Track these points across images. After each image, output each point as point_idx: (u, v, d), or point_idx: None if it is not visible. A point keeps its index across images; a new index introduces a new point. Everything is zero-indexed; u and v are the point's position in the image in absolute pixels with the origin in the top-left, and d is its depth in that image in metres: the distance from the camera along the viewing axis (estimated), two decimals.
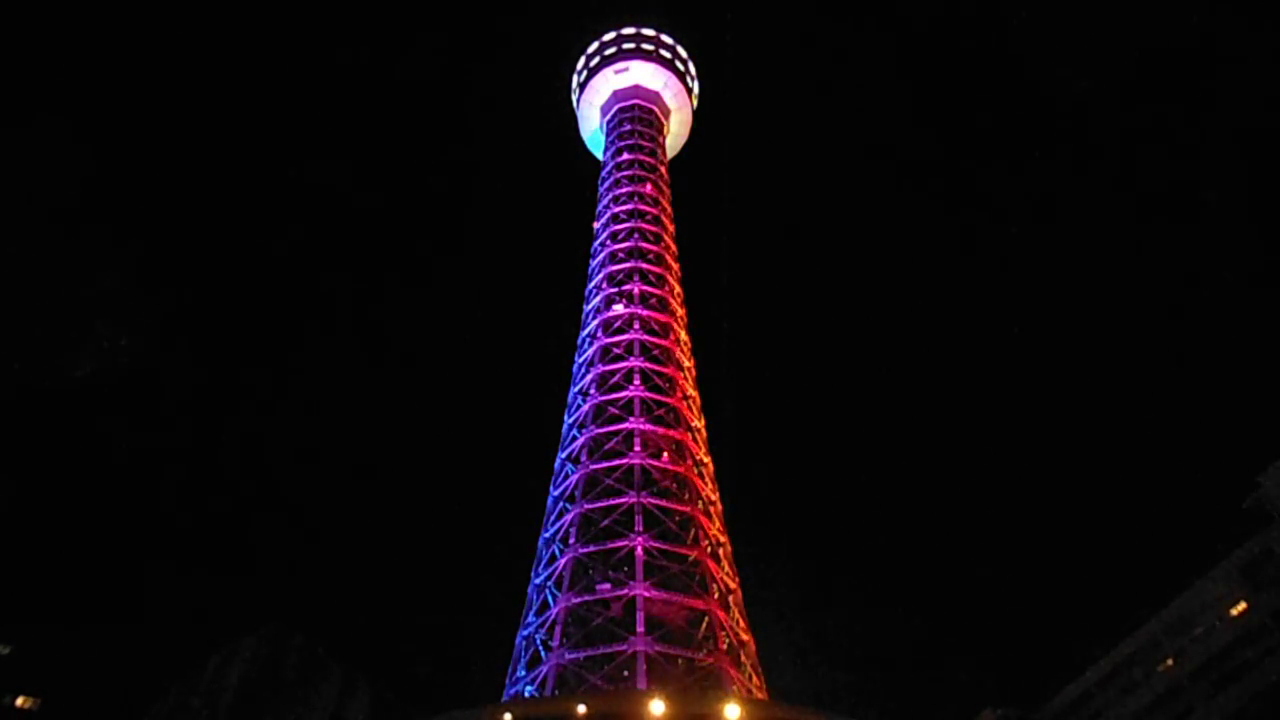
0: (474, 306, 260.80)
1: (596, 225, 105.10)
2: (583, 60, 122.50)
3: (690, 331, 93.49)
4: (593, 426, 78.50)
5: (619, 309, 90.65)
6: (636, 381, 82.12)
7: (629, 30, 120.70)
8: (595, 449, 76.64)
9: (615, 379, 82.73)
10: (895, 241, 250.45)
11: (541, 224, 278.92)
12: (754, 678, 64.80)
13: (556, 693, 59.70)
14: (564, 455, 79.77)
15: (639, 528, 68.54)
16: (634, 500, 70.57)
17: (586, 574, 67.99)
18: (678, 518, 71.02)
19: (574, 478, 74.93)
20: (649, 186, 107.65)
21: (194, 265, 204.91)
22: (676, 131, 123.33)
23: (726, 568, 71.44)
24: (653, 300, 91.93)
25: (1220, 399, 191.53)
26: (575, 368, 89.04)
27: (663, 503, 71.41)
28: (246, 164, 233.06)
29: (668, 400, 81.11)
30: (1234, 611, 69.46)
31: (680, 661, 62.44)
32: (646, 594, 63.66)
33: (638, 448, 75.96)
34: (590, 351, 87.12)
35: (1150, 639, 74.73)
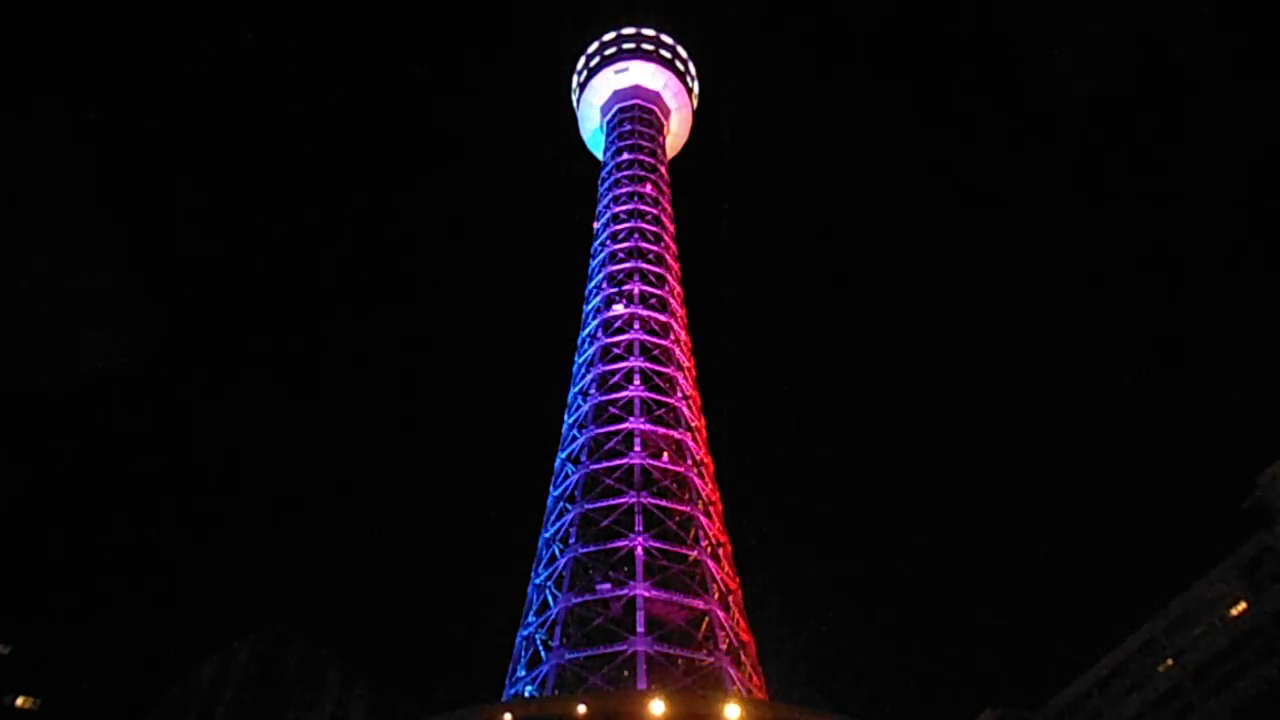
0: (474, 306, 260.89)
1: (596, 225, 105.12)
2: (583, 60, 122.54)
3: (690, 331, 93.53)
4: (593, 426, 78.50)
5: (619, 309, 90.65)
6: (636, 381, 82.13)
7: (629, 30, 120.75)
8: (595, 449, 76.63)
9: (615, 379, 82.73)
10: (896, 241, 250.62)
11: (541, 224, 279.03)
12: (754, 678, 64.78)
13: (556, 693, 59.69)
14: (564, 455, 79.78)
15: (639, 528, 68.56)
16: (634, 500, 70.60)
17: (586, 574, 68.01)
18: (678, 518, 71.02)
19: (574, 478, 74.93)
20: (649, 186, 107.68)
21: (195, 264, 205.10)
22: (676, 131, 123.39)
23: (726, 568, 71.42)
24: (653, 300, 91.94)
25: (1220, 399, 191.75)
26: (575, 368, 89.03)
27: (663, 503, 71.44)
28: (246, 164, 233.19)
29: (668, 400, 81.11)
30: (1234, 611, 69.40)
31: (680, 661, 62.44)
32: (646, 594, 63.69)
33: (638, 448, 75.98)
34: (590, 351, 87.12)
35: (1150, 639, 74.68)
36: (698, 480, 75.70)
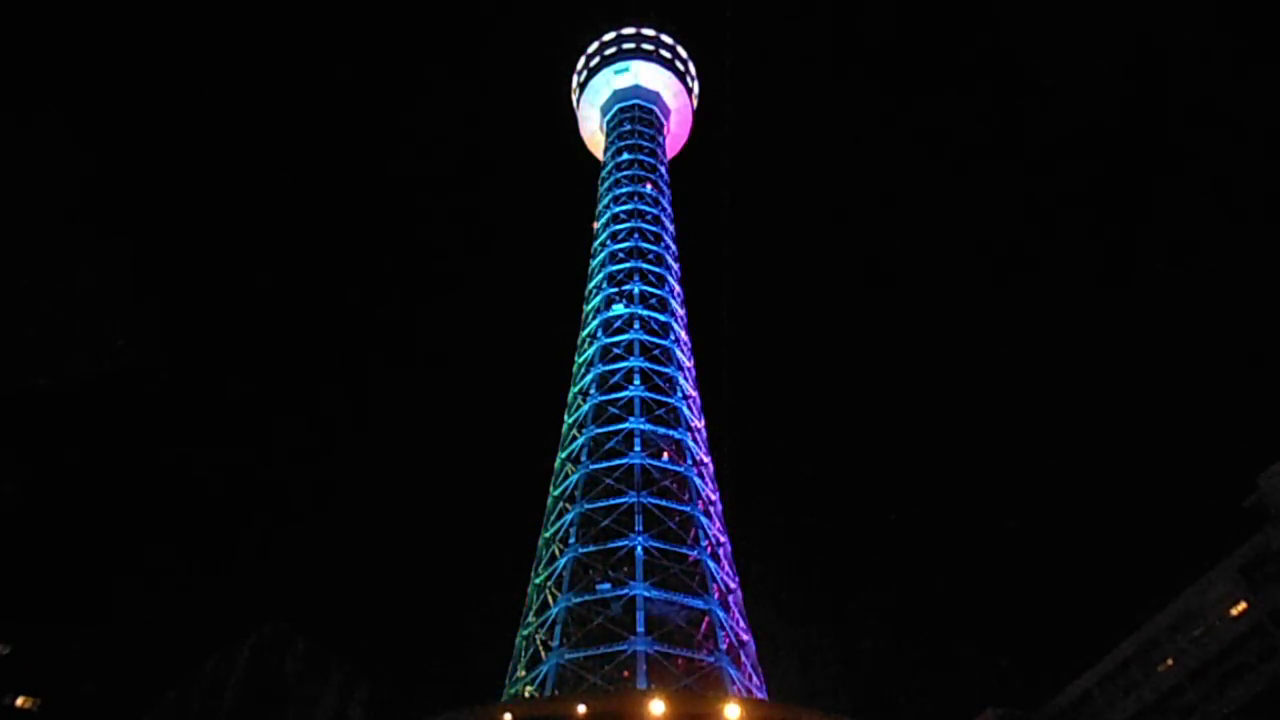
0: (474, 306, 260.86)
1: (596, 225, 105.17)
2: (583, 60, 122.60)
3: (690, 331, 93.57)
4: (593, 426, 78.50)
5: (619, 309, 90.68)
6: (636, 381, 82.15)
7: (629, 30, 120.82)
8: (595, 449, 76.62)
9: (615, 379, 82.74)
10: (895, 241, 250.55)
11: (541, 224, 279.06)
12: (754, 678, 64.78)
13: (556, 693, 59.65)
14: (564, 455, 79.78)
15: (639, 528, 68.54)
16: (634, 500, 70.60)
17: (586, 574, 67.95)
18: (678, 518, 71.01)
19: (574, 478, 74.92)
20: (649, 186, 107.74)
21: (194, 265, 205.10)
22: (676, 131, 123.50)
23: (726, 567, 71.43)
24: (653, 300, 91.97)
25: (1220, 399, 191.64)
26: (575, 368, 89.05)
27: (663, 503, 71.43)
28: (246, 166, 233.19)
29: (668, 400, 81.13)
30: (1234, 611, 69.35)
31: (680, 661, 62.40)
32: (646, 594, 63.66)
33: (638, 448, 75.98)
34: (590, 351, 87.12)
35: (1150, 639, 74.63)
36: (698, 480, 75.71)
